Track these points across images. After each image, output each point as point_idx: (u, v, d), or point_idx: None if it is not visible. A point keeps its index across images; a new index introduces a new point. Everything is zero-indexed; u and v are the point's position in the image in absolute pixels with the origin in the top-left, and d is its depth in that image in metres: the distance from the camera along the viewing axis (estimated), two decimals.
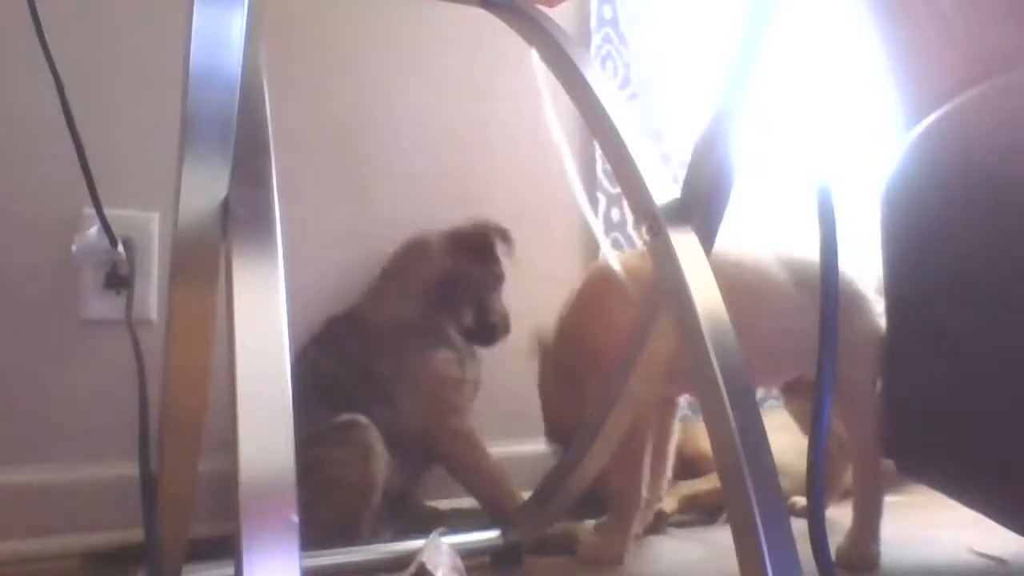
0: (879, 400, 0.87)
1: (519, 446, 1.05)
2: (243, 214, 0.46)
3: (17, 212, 0.96)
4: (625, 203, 1.34)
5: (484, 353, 1.10)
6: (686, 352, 0.58)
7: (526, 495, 0.95)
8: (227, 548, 0.38)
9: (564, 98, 0.75)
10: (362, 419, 0.90)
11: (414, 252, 1.09)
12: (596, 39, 1.37)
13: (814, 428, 0.55)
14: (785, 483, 0.60)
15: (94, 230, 0.89)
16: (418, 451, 0.98)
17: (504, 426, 1.05)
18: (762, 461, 0.52)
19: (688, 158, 0.67)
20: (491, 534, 0.91)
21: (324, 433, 0.88)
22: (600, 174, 1.35)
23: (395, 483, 0.94)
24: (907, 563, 0.89)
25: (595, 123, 0.70)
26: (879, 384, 0.89)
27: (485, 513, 0.99)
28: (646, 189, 0.64)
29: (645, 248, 0.66)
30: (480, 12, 0.82)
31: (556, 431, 1.01)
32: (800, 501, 1.03)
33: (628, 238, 1.36)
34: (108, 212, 0.82)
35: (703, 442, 1.12)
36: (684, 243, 0.61)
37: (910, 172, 0.80)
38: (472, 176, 1.26)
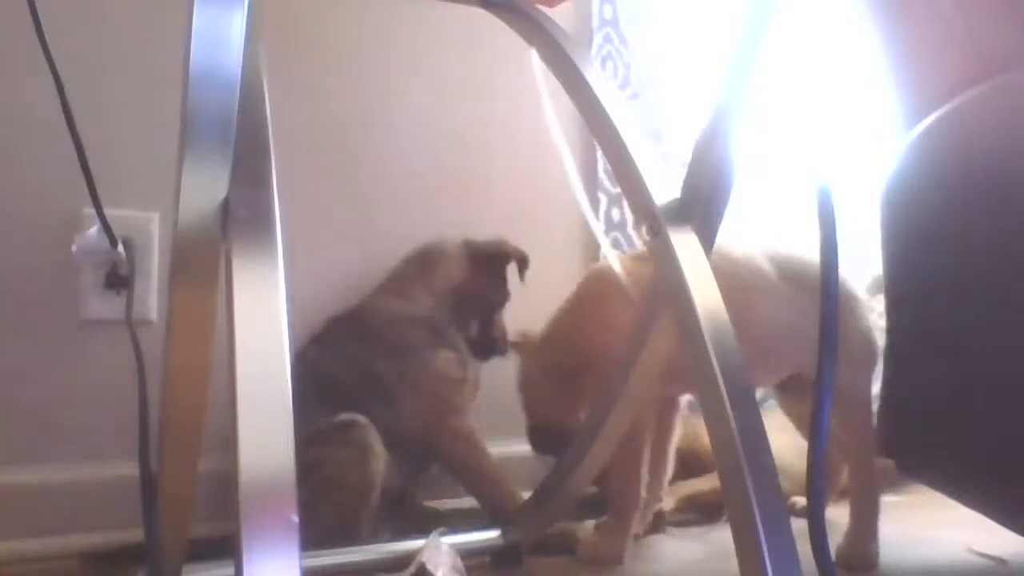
0: (879, 400, 0.87)
1: (519, 446, 1.05)
2: (243, 214, 0.46)
3: (17, 212, 0.96)
4: (625, 203, 1.34)
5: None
6: (686, 352, 0.58)
7: (526, 495, 0.95)
8: (227, 548, 0.38)
9: (564, 98, 0.75)
10: (361, 419, 0.90)
11: (432, 257, 1.09)
12: (597, 39, 1.37)
13: (814, 428, 0.55)
14: (785, 483, 0.60)
15: (94, 230, 0.89)
16: (418, 451, 0.98)
17: (504, 426, 1.05)
18: (762, 461, 0.52)
19: (688, 158, 0.67)
20: (491, 534, 0.91)
21: (323, 433, 0.88)
22: (601, 174, 1.35)
23: (394, 483, 0.94)
24: (907, 563, 0.89)
25: (595, 123, 0.70)
26: (876, 384, 0.89)
27: (485, 513, 0.99)
28: (646, 189, 0.64)
29: (645, 248, 0.66)
30: (480, 12, 0.82)
31: (539, 432, 1.01)
32: (800, 501, 1.03)
33: (628, 238, 1.36)
34: (108, 212, 0.82)
35: (703, 441, 1.12)
36: (684, 243, 0.61)
37: (910, 172, 0.80)
38: (472, 176, 1.26)
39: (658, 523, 1.05)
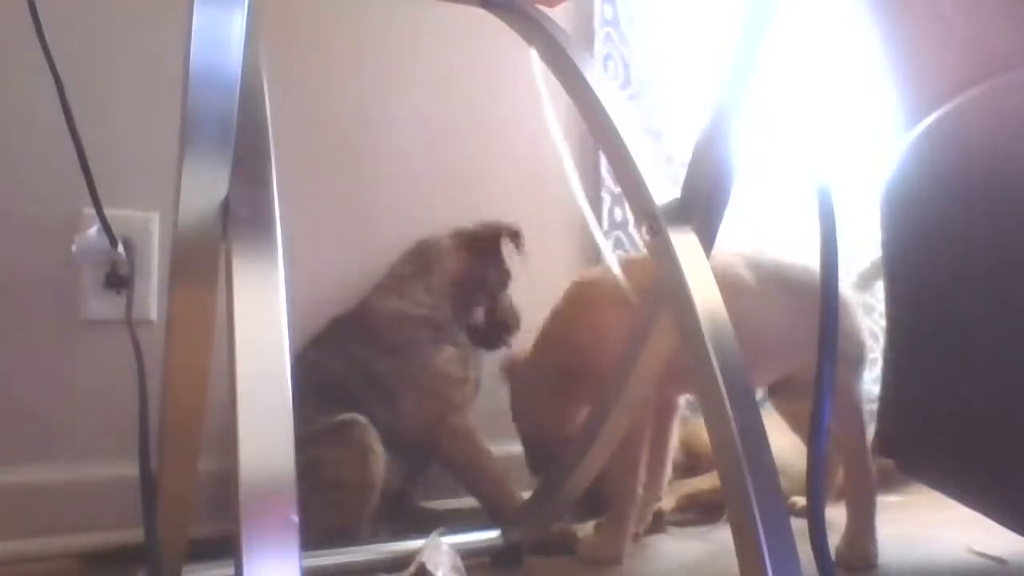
0: (879, 400, 0.87)
1: (519, 446, 1.05)
2: (243, 214, 0.47)
3: (17, 212, 0.96)
4: (625, 203, 1.34)
5: (485, 353, 1.10)
6: (686, 352, 0.58)
7: (526, 495, 0.95)
8: (227, 548, 0.38)
9: (564, 98, 0.75)
10: (361, 419, 0.90)
11: (427, 253, 1.09)
12: (598, 39, 1.37)
13: (813, 428, 0.55)
14: (785, 483, 0.60)
15: (94, 230, 0.89)
16: (418, 450, 0.98)
17: (504, 426, 1.05)
18: (762, 461, 0.52)
19: (688, 158, 0.67)
20: (491, 534, 0.91)
21: (323, 433, 0.88)
22: (604, 173, 1.34)
23: (393, 483, 0.94)
24: (907, 563, 0.89)
25: (595, 123, 0.70)
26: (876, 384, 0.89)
27: (485, 513, 0.99)
28: (646, 189, 0.64)
29: (644, 250, 0.66)
30: (480, 12, 0.82)
31: (537, 452, 1.01)
32: (800, 501, 1.03)
33: (631, 237, 1.36)
34: (108, 212, 0.81)
35: (703, 440, 1.12)
36: (684, 243, 0.62)
37: (910, 172, 0.80)
38: (472, 176, 1.26)
39: (658, 522, 1.05)
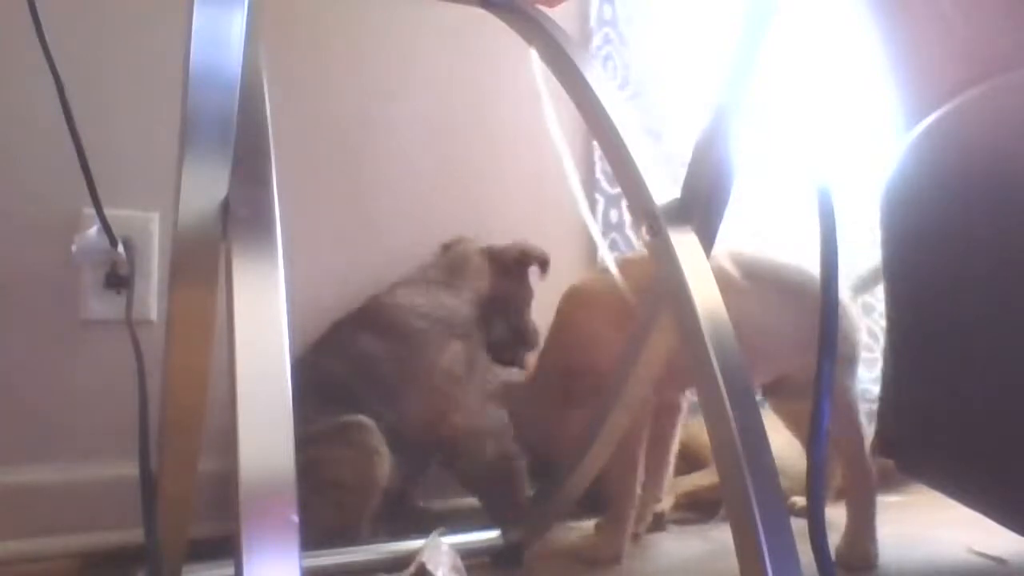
0: (879, 400, 0.87)
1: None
2: (243, 214, 0.47)
3: (17, 212, 0.96)
4: (623, 204, 1.34)
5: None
6: (686, 352, 0.58)
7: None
8: (227, 548, 0.38)
9: (564, 98, 0.75)
10: (366, 420, 0.90)
11: (458, 265, 1.09)
12: (596, 39, 1.37)
13: (813, 428, 0.55)
14: (785, 483, 0.60)
15: (94, 230, 0.89)
16: (420, 448, 0.98)
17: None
18: (762, 461, 0.52)
19: (688, 158, 0.67)
20: (491, 534, 0.91)
21: (327, 433, 0.88)
22: (599, 175, 1.34)
23: (395, 484, 0.94)
24: (907, 563, 0.89)
25: (595, 123, 0.70)
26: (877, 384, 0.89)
27: (485, 513, 0.99)
28: (646, 189, 0.64)
29: (642, 251, 0.66)
30: (480, 12, 0.82)
31: (542, 468, 1.01)
32: (800, 501, 1.04)
33: (627, 239, 1.36)
34: (108, 212, 0.81)
35: (702, 439, 1.12)
36: (684, 243, 0.62)
37: (910, 172, 0.80)
38: (472, 176, 1.25)
39: (658, 522, 1.05)
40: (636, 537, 0.98)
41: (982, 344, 0.70)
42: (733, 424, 0.52)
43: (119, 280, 0.97)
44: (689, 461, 1.15)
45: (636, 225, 0.87)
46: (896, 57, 0.89)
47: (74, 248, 0.92)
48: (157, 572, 0.64)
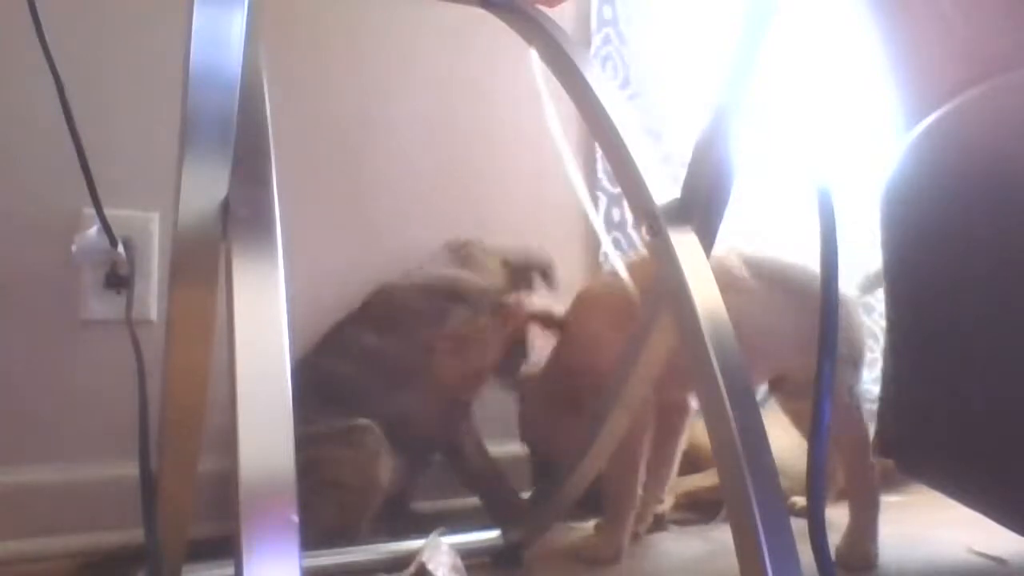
0: (879, 400, 0.87)
1: (519, 446, 1.05)
2: (243, 214, 0.47)
3: (17, 212, 0.96)
4: (624, 203, 1.34)
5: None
6: (686, 352, 0.58)
7: (526, 495, 0.95)
8: (227, 548, 0.38)
9: (564, 98, 0.75)
10: (369, 423, 0.90)
11: (465, 259, 1.08)
12: (596, 39, 1.37)
13: (814, 428, 0.55)
14: (785, 483, 0.60)
15: (94, 230, 0.89)
16: (422, 444, 0.98)
17: (503, 426, 1.05)
18: (762, 461, 0.52)
19: (688, 158, 0.67)
20: (491, 534, 0.91)
21: (329, 434, 0.88)
22: (600, 174, 1.35)
23: (394, 485, 0.94)
24: (907, 563, 0.89)
25: (595, 123, 0.70)
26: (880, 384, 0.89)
27: (485, 513, 0.99)
28: (646, 189, 0.64)
29: (644, 249, 0.66)
30: (480, 12, 0.82)
31: (546, 467, 1.00)
32: (800, 501, 1.03)
33: (629, 238, 1.36)
34: (108, 212, 0.81)
35: (700, 439, 1.12)
36: (684, 243, 0.61)
37: (910, 172, 0.80)
38: (472, 176, 1.25)
39: (659, 522, 1.05)
40: (636, 537, 0.98)
41: (982, 344, 0.70)
42: (733, 424, 0.52)
43: (119, 280, 0.97)
44: (690, 461, 1.15)
45: (636, 225, 0.87)
46: (896, 57, 0.89)
47: (74, 248, 0.92)
48: (157, 572, 0.64)
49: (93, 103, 0.92)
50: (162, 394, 0.54)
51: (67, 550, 0.91)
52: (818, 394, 0.55)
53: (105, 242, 0.87)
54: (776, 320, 0.90)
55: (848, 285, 1.01)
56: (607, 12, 1.39)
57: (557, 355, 1.01)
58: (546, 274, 1.09)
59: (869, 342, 1.00)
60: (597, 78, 0.71)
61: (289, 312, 0.43)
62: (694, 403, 1.03)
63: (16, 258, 0.96)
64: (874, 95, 1.00)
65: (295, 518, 0.37)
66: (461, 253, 1.10)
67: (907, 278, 0.81)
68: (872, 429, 0.87)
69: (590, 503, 0.95)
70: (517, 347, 1.05)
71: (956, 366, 0.73)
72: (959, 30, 0.80)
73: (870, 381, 1.21)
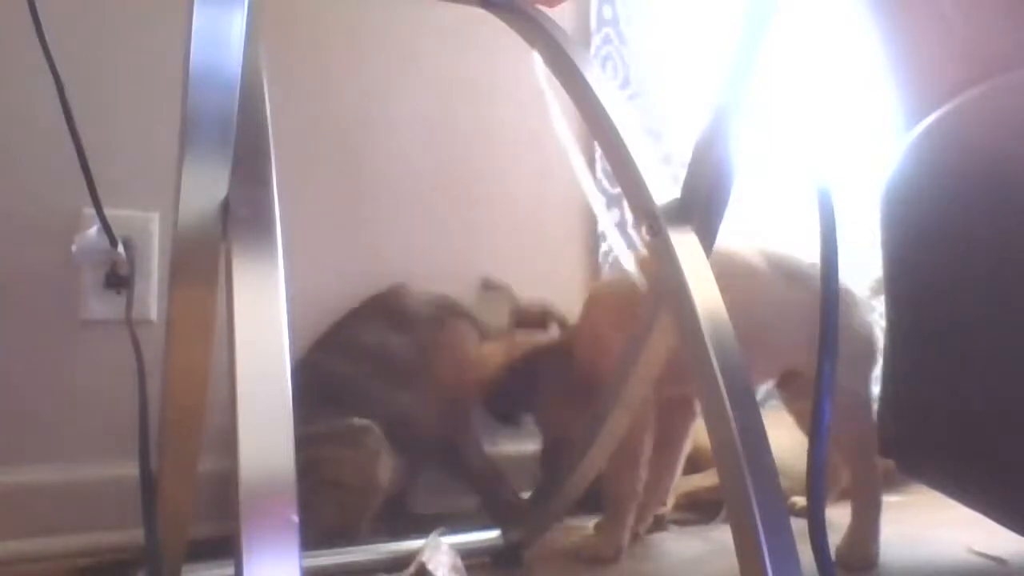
0: (879, 400, 0.87)
1: (519, 446, 1.05)
2: (243, 214, 0.46)
3: (17, 212, 0.96)
4: (624, 203, 1.34)
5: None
6: (686, 352, 0.58)
7: (526, 495, 0.95)
8: (227, 548, 0.38)
9: (564, 98, 0.75)
10: (369, 423, 0.90)
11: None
12: (596, 39, 1.37)
13: (814, 428, 0.55)
14: (785, 483, 0.60)
15: (94, 230, 0.89)
16: (423, 442, 0.98)
17: (503, 426, 1.05)
18: (762, 461, 0.52)
19: (688, 158, 0.67)
20: (491, 534, 0.91)
21: (329, 434, 0.88)
22: (599, 174, 1.35)
23: (395, 486, 0.94)
24: (907, 563, 0.89)
25: (595, 123, 0.70)
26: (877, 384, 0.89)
27: (485, 513, 0.99)
28: (646, 189, 0.64)
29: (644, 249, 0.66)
30: (480, 12, 0.82)
31: (555, 451, 1.00)
32: (800, 501, 1.03)
33: (628, 238, 1.36)
34: (108, 212, 0.81)
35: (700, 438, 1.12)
36: (684, 243, 0.61)
37: (910, 172, 0.80)
38: (472, 176, 1.26)
39: (659, 522, 1.05)
40: (636, 537, 0.98)
41: (982, 344, 0.70)
42: (733, 424, 0.52)
43: (119, 280, 0.97)
44: (691, 461, 1.15)
45: (636, 225, 0.87)
46: (896, 57, 0.89)
47: (74, 248, 0.92)
48: (157, 572, 0.64)
49: (93, 103, 0.92)
50: (162, 394, 0.54)
51: (67, 550, 0.91)
52: (818, 394, 0.55)
53: (105, 242, 0.87)
54: (792, 316, 0.90)
55: (860, 286, 1.00)
56: (607, 12, 1.39)
57: (569, 350, 1.00)
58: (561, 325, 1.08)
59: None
60: (597, 78, 0.71)
61: (289, 312, 0.43)
62: (698, 407, 1.03)
63: (16, 258, 0.96)
64: (874, 95, 1.00)
65: (295, 518, 0.37)
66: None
67: (907, 278, 0.81)
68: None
69: (590, 503, 0.95)
70: (517, 376, 1.02)
71: (956, 366, 0.73)
72: (959, 30, 0.80)
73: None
